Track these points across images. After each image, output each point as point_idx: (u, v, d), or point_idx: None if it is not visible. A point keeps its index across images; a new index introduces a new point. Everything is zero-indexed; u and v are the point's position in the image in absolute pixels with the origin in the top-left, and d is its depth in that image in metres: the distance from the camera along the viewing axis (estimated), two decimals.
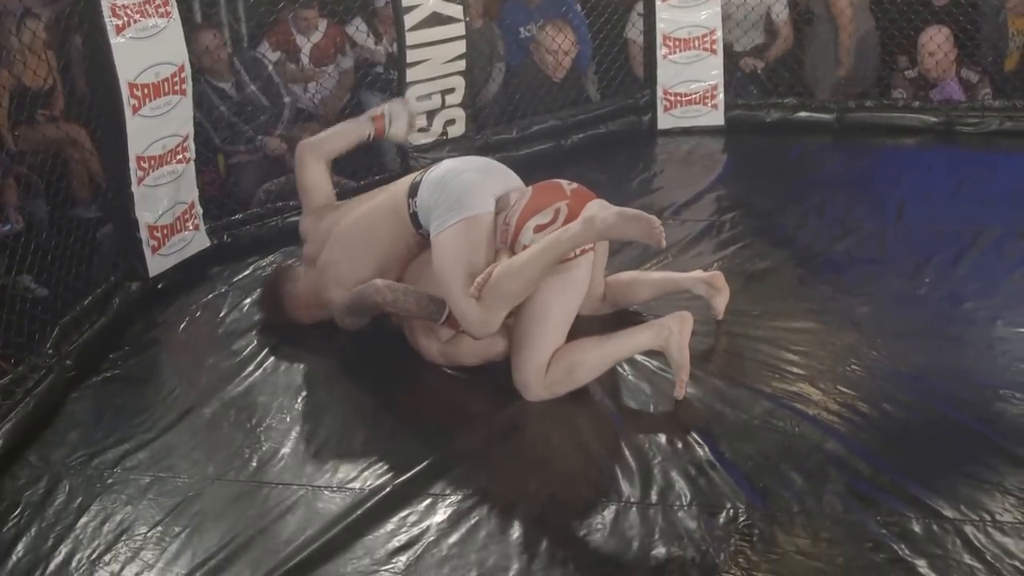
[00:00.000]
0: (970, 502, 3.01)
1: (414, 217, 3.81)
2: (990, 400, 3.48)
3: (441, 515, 3.13)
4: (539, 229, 3.55)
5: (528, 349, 3.59)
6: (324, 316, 4.06)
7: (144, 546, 3.07)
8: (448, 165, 3.84)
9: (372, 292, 3.79)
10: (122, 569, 2.99)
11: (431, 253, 3.71)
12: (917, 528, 2.93)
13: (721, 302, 3.98)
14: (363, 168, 5.59)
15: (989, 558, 2.81)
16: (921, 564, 2.81)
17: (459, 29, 5.48)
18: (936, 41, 6.15)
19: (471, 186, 3.68)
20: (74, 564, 3.03)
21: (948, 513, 2.98)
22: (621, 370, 3.74)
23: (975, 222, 4.73)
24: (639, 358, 3.76)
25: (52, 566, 3.02)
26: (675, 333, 3.58)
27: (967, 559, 2.81)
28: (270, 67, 5.91)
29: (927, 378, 3.61)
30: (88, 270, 4.56)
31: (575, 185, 3.72)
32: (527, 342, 3.59)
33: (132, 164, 4.37)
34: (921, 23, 6.27)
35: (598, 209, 3.52)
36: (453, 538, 3.03)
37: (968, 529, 2.91)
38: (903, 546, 2.87)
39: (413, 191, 3.81)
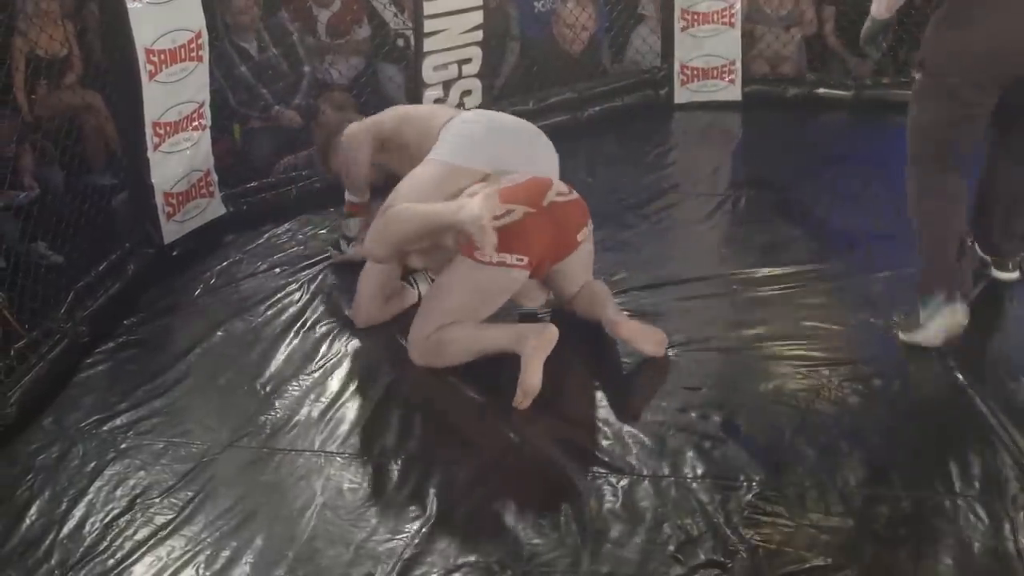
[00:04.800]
0: (985, 478, 3.01)
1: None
2: (1007, 376, 3.46)
3: (454, 484, 3.13)
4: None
5: (420, 317, 3.71)
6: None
7: (157, 511, 3.08)
8: (486, 115, 4.18)
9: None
10: (135, 533, 3.00)
11: None
12: (932, 504, 2.92)
13: (649, 350, 3.70)
14: None
15: (1004, 534, 2.80)
16: (935, 539, 2.80)
17: None
18: None
19: (478, 139, 3.89)
20: (87, 528, 3.03)
21: (963, 489, 2.97)
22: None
23: None
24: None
25: (65, 529, 3.03)
26: (531, 345, 3.49)
27: (981, 535, 2.81)
28: (295, 35, 5.87)
29: (943, 354, 3.60)
30: (103, 236, 4.57)
31: (572, 197, 3.71)
32: (421, 311, 3.73)
33: (148, 130, 4.36)
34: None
35: (472, 202, 3.50)
36: (466, 508, 3.03)
37: (984, 505, 2.90)
38: (918, 521, 2.86)
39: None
